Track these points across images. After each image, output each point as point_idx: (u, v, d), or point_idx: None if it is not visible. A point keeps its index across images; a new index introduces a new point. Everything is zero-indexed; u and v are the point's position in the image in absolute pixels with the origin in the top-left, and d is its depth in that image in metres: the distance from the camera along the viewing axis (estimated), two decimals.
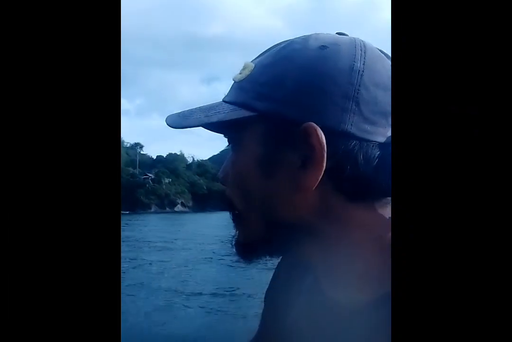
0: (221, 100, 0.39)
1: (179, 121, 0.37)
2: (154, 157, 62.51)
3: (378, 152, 0.33)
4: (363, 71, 0.33)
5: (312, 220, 0.35)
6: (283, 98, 0.33)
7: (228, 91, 0.39)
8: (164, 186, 52.83)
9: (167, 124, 0.37)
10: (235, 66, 0.39)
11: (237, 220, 0.39)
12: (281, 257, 0.48)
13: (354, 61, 0.33)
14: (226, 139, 0.40)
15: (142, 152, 62.77)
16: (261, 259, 0.39)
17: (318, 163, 0.32)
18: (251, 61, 0.38)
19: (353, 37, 0.36)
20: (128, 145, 63.13)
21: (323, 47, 0.34)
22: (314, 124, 0.32)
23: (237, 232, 0.39)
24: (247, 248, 0.39)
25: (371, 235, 0.34)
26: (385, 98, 0.33)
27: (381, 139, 0.33)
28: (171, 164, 56.78)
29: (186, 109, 0.39)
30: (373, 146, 0.33)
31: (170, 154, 59.10)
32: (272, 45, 0.38)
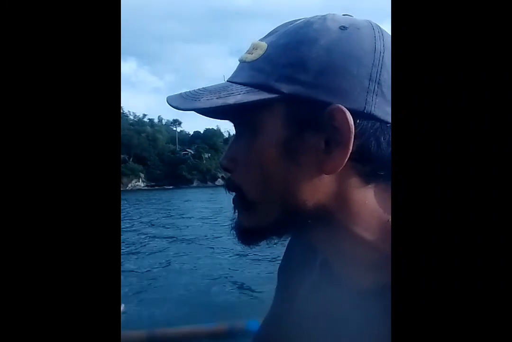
0: (227, 80, 0.37)
1: (188, 103, 0.34)
2: (191, 133, 63.68)
3: None
4: (383, 52, 0.33)
5: (326, 203, 0.34)
6: (309, 80, 0.32)
7: (235, 71, 0.37)
8: (204, 161, 54.09)
9: (172, 106, 0.34)
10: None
11: (245, 205, 0.36)
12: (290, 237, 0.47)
13: (375, 43, 0.33)
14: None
15: (180, 129, 64.01)
16: (264, 242, 0.38)
17: (344, 147, 0.32)
18: (260, 40, 0.36)
19: (366, 19, 0.36)
20: (167, 122, 64.46)
21: (343, 27, 0.33)
22: (342, 107, 0.31)
23: (240, 216, 0.37)
24: (252, 233, 0.37)
25: (380, 218, 0.34)
26: None
27: None
28: (209, 139, 57.74)
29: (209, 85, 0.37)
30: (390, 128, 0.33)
31: (207, 130, 59.95)
32: (300, 14, 0.36)
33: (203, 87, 0.36)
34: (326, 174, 0.33)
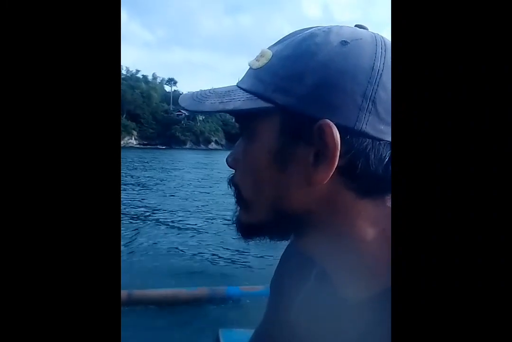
0: (236, 84, 0.38)
1: (194, 104, 0.37)
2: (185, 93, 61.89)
3: (389, 151, 0.33)
4: (382, 70, 0.33)
5: (319, 212, 0.35)
6: (302, 94, 0.33)
7: (243, 75, 0.38)
8: (198, 123, 53.44)
9: (182, 106, 0.38)
10: None
11: (241, 202, 0.39)
12: (286, 246, 0.50)
13: (375, 60, 0.33)
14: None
15: (174, 88, 62.10)
16: (262, 239, 0.39)
17: (330, 161, 0.32)
18: (268, 48, 0.37)
19: (374, 33, 0.36)
20: (160, 80, 62.39)
21: (344, 42, 0.33)
22: (330, 122, 0.32)
23: (239, 211, 0.40)
24: (248, 228, 0.39)
25: (376, 228, 0.35)
26: None
27: None
28: None
29: (200, 90, 0.40)
30: (384, 145, 0.33)
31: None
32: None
33: (213, 89, 0.38)
34: (312, 185, 0.34)
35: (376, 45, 0.34)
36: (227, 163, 0.40)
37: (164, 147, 48.68)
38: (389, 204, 0.35)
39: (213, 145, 53.94)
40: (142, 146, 48.08)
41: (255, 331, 0.52)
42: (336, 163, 0.32)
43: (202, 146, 52.73)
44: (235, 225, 0.40)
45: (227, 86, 0.38)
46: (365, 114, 0.32)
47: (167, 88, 61.72)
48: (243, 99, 0.35)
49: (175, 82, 62.73)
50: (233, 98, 0.35)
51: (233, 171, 0.40)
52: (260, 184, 0.36)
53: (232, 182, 0.39)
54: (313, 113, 0.32)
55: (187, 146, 52.01)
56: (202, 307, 3.20)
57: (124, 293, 3.12)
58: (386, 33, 0.34)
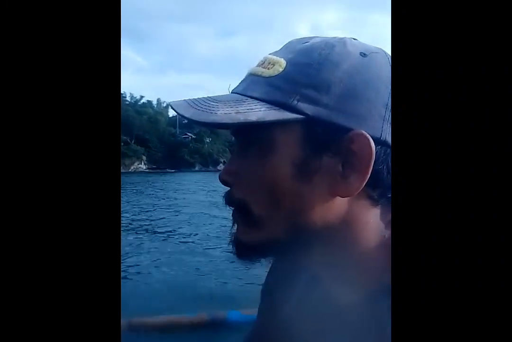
0: (235, 92, 0.36)
1: (202, 114, 0.32)
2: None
3: None
4: None
5: (334, 223, 0.34)
6: (330, 104, 0.32)
7: (246, 83, 0.36)
8: (206, 145, 54.04)
9: (185, 117, 0.32)
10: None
11: (249, 221, 0.35)
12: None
13: (390, 71, 0.34)
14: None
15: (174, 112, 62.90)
16: (263, 259, 0.38)
17: (364, 171, 0.32)
18: (271, 55, 0.36)
19: (380, 48, 0.37)
20: (165, 105, 63.57)
21: (363, 54, 0.34)
22: (365, 133, 0.31)
23: (241, 231, 0.37)
24: (252, 249, 0.36)
25: (379, 235, 0.35)
26: None
27: None
28: None
29: (194, 98, 0.35)
30: None
31: None
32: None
33: (209, 97, 0.35)
34: (341, 197, 0.33)
35: (388, 57, 0.35)
36: (221, 180, 0.36)
37: (173, 170, 49.07)
38: None
39: (221, 166, 54.09)
40: (151, 171, 48.57)
41: (245, 336, 0.51)
42: (369, 174, 0.32)
43: (211, 168, 53.01)
44: (233, 247, 0.36)
45: (227, 95, 0.35)
46: (387, 125, 0.33)
47: (171, 112, 62.77)
48: (263, 109, 0.32)
49: None
50: (251, 108, 0.32)
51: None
52: (279, 198, 0.34)
53: (232, 199, 0.36)
54: (342, 123, 0.32)
55: (196, 168, 52.36)
56: (203, 334, 3.09)
57: (122, 322, 3.04)
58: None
